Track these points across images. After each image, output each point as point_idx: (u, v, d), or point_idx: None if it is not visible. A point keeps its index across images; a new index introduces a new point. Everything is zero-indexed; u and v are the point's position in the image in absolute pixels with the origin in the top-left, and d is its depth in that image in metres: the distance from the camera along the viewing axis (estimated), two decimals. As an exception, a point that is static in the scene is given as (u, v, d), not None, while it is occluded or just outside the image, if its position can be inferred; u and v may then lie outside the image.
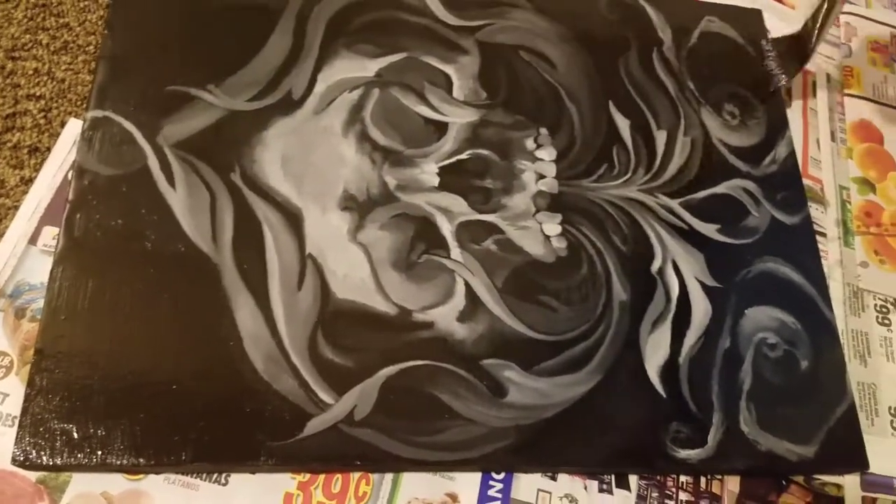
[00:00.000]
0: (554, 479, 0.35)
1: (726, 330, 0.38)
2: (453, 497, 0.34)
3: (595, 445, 0.35)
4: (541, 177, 0.40)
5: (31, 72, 0.42)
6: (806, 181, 0.46)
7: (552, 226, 0.39)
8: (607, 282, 0.38)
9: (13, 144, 0.40)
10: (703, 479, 0.37)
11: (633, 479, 0.36)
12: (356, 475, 0.34)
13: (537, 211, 0.39)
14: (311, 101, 0.40)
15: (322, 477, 0.34)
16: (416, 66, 0.42)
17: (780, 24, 0.52)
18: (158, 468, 0.32)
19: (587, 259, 0.39)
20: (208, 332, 0.33)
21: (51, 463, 0.30)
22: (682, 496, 0.36)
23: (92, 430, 0.31)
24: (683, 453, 0.35)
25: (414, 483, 0.34)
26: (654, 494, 0.36)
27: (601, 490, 0.35)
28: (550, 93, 0.43)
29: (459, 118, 0.41)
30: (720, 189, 0.43)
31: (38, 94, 0.42)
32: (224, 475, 0.33)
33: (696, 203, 0.42)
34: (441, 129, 0.41)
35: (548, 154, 0.41)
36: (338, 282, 0.36)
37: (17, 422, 0.33)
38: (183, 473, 0.33)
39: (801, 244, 0.42)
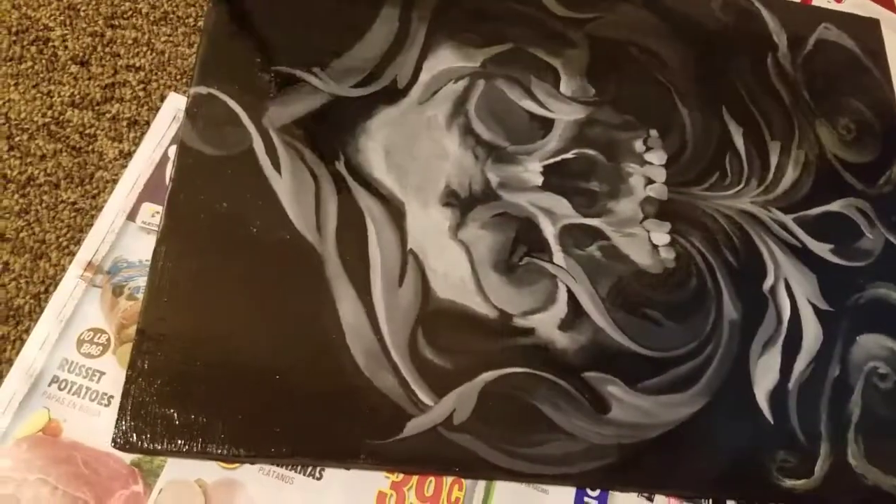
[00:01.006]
0: (651, 499, 0.34)
1: (836, 357, 0.37)
2: (554, 513, 0.33)
3: (698, 470, 0.33)
4: (650, 182, 0.39)
5: (130, 41, 0.42)
6: (922, 204, 0.43)
7: (661, 235, 0.37)
8: (718, 298, 0.36)
9: (112, 116, 0.40)
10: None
11: (731, 506, 0.35)
12: (449, 479, 0.33)
13: (645, 218, 0.38)
14: (416, 91, 0.38)
15: (415, 478, 0.33)
16: (523, 58, 0.41)
17: (895, 37, 0.49)
18: (257, 459, 0.31)
19: (697, 272, 0.37)
20: (311, 324, 0.32)
21: (151, 447, 0.30)
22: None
23: (193, 417, 0.30)
24: (789, 483, 0.34)
25: (507, 492, 0.33)
26: (762, 527, 0.34)
27: (698, 514, 0.34)
28: (661, 93, 0.41)
29: (566, 115, 0.40)
30: (834, 207, 0.40)
31: (137, 65, 0.41)
32: (319, 469, 0.32)
33: (810, 220, 0.39)
34: (546, 125, 0.39)
35: (658, 158, 0.39)
36: (438, 280, 0.35)
37: (112, 401, 0.33)
38: (279, 465, 0.32)
39: (915, 272, 0.40)
